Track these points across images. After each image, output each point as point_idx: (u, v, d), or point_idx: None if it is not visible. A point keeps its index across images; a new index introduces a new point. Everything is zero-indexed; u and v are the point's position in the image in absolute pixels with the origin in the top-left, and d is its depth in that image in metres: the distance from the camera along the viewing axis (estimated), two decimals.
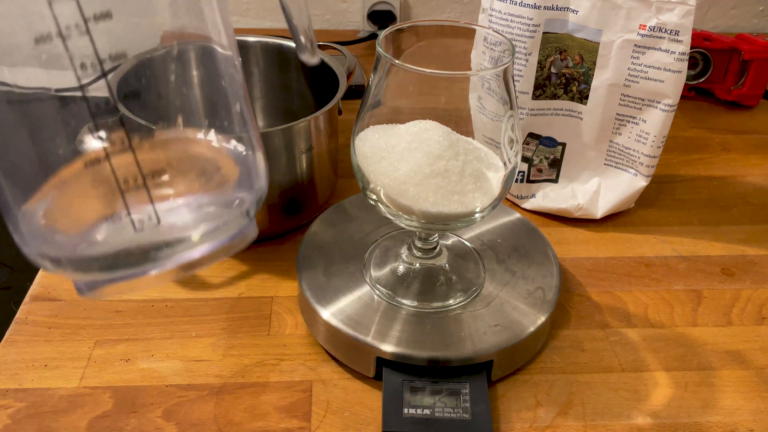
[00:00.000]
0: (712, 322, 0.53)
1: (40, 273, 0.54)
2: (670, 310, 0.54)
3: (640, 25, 0.55)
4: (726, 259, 0.59)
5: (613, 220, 0.63)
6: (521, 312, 0.47)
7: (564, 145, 0.63)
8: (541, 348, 0.49)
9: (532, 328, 0.46)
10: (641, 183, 0.61)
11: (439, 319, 0.46)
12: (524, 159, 0.63)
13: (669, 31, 0.54)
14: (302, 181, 0.57)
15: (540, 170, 0.64)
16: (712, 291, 0.56)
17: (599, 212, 0.62)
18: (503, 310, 0.47)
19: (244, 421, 0.43)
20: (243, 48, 0.66)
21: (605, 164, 0.62)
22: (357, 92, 0.83)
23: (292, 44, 0.65)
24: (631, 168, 0.61)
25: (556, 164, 0.63)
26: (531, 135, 0.62)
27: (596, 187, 0.62)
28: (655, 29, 0.54)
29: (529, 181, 0.64)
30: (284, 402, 0.45)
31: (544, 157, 0.63)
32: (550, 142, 0.62)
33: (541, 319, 0.47)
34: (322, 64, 0.62)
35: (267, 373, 0.47)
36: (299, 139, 0.54)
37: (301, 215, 0.59)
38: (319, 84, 0.63)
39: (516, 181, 0.64)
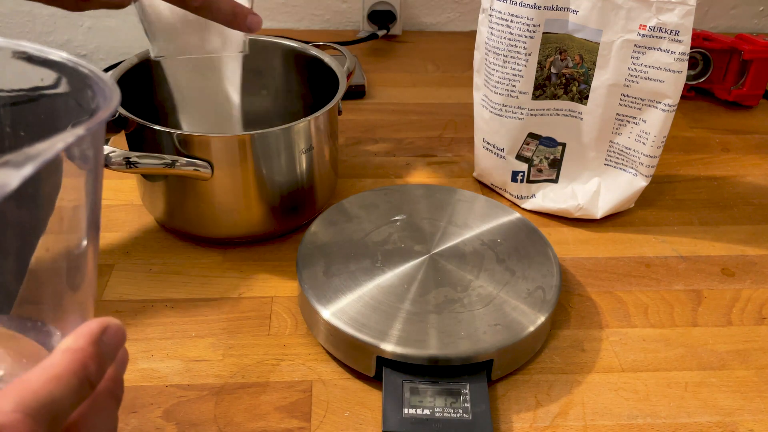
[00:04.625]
0: (712, 322, 0.53)
1: None
2: (670, 310, 0.54)
3: (640, 25, 0.55)
4: (726, 259, 0.59)
5: (613, 220, 0.63)
6: (521, 312, 0.47)
7: (564, 145, 0.63)
8: (541, 348, 0.49)
9: (532, 328, 0.46)
10: (641, 183, 0.61)
11: (440, 319, 0.46)
12: (524, 159, 0.63)
13: (669, 31, 0.54)
14: (302, 181, 0.57)
15: (540, 170, 0.64)
16: (712, 291, 0.56)
17: (599, 212, 0.62)
18: (503, 310, 0.47)
19: (244, 421, 0.43)
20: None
21: (605, 164, 0.62)
22: (357, 93, 0.83)
23: (293, 44, 0.65)
24: (631, 168, 0.61)
25: (556, 164, 0.63)
26: (531, 135, 0.62)
27: (596, 187, 0.62)
28: (655, 29, 0.54)
29: (529, 181, 0.64)
30: (284, 402, 0.45)
31: (544, 157, 0.63)
32: (550, 142, 0.62)
33: (541, 318, 0.47)
34: (322, 64, 0.62)
35: (267, 373, 0.47)
36: (299, 139, 0.54)
37: (301, 215, 0.59)
38: (319, 84, 0.63)
39: (516, 181, 0.64)
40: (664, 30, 0.54)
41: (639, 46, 0.55)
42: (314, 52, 0.64)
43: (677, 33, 0.54)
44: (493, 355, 0.45)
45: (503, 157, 0.63)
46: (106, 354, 0.26)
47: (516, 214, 0.56)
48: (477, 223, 0.55)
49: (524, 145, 0.62)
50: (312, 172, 0.57)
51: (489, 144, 0.64)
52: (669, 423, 0.45)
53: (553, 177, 0.64)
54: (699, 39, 0.83)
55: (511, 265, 0.51)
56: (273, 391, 0.46)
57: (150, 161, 0.51)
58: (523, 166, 0.63)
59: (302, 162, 0.55)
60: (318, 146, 0.56)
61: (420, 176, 0.69)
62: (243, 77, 0.68)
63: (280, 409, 0.44)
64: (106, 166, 0.50)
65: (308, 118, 0.54)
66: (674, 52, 0.54)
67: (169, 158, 0.51)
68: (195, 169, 0.51)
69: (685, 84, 0.56)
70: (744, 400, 0.46)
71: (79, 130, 0.24)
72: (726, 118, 0.83)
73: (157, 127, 0.51)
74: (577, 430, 0.44)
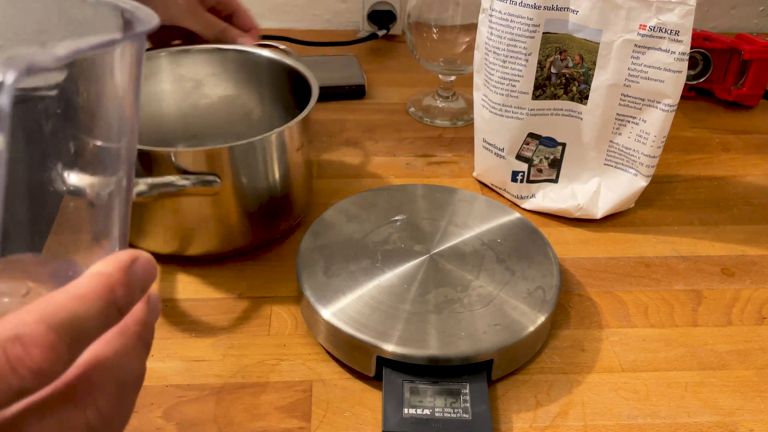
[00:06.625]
0: (712, 322, 0.53)
1: None
2: (670, 310, 0.54)
3: (640, 25, 0.55)
4: (726, 259, 0.59)
5: (613, 220, 0.63)
6: (521, 312, 0.47)
7: (564, 145, 0.63)
8: (541, 348, 0.49)
9: (532, 328, 0.46)
10: (641, 183, 0.61)
11: (440, 319, 0.46)
12: (524, 159, 0.63)
13: (669, 31, 0.54)
14: (276, 193, 0.55)
15: (540, 170, 0.64)
16: (712, 291, 0.56)
17: (599, 212, 0.62)
18: (503, 310, 0.47)
19: (244, 421, 0.43)
20: (215, 53, 0.64)
21: (605, 164, 0.62)
22: (357, 92, 0.83)
23: (265, 53, 0.63)
24: (631, 168, 0.61)
25: (556, 164, 0.63)
26: (531, 135, 0.62)
27: (596, 187, 0.62)
28: (655, 29, 0.54)
29: (529, 181, 0.64)
30: (284, 402, 0.45)
31: (544, 157, 0.63)
32: (550, 142, 0.63)
33: (541, 318, 0.47)
34: (296, 73, 0.60)
35: (267, 373, 0.47)
36: (273, 149, 0.52)
37: (279, 223, 0.57)
38: (298, 91, 0.60)
39: (516, 181, 0.64)
40: (664, 30, 0.54)
41: (639, 46, 0.55)
42: (289, 61, 0.61)
43: (677, 33, 0.54)
44: (493, 355, 0.45)
45: (503, 157, 0.63)
46: (135, 283, 0.25)
47: (516, 214, 0.56)
48: (477, 223, 0.55)
49: (524, 145, 0.62)
50: (289, 180, 0.55)
51: (489, 144, 0.64)
52: (669, 423, 0.45)
53: (553, 177, 0.64)
54: (699, 39, 0.83)
55: (511, 265, 0.51)
56: (273, 391, 0.46)
57: (164, 182, 0.48)
58: (523, 166, 0.63)
59: (275, 172, 0.54)
60: (292, 155, 0.54)
61: (420, 176, 0.69)
62: (222, 91, 0.66)
63: (280, 409, 0.44)
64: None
65: (280, 129, 0.51)
66: (674, 52, 0.54)
67: (181, 178, 0.49)
68: (205, 185, 0.50)
69: (685, 84, 0.56)
70: (744, 400, 0.46)
71: (117, 37, 0.23)
72: (726, 118, 0.83)
73: (146, 148, 0.49)
74: (577, 430, 0.44)
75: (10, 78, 0.19)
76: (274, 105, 0.65)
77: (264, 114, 0.66)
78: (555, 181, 0.64)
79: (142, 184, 0.48)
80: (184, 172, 0.50)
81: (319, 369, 0.47)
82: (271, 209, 0.56)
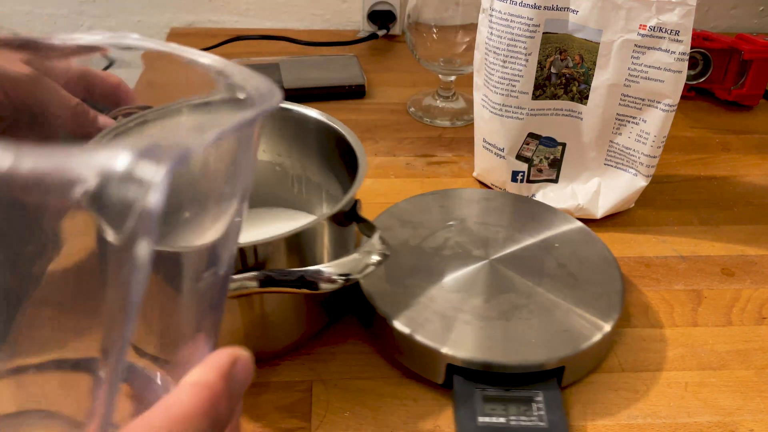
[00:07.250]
0: (712, 322, 0.53)
1: None
2: (670, 310, 0.54)
3: (640, 25, 0.55)
4: (726, 259, 0.59)
5: (613, 220, 0.63)
6: (588, 317, 0.47)
7: (564, 145, 0.63)
8: (606, 353, 0.49)
9: (600, 334, 0.46)
10: (641, 183, 0.61)
11: (508, 325, 0.46)
12: (524, 159, 0.63)
13: (669, 31, 0.54)
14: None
15: (540, 170, 0.64)
16: (712, 291, 0.56)
17: (599, 212, 0.62)
18: (570, 316, 0.47)
19: (244, 421, 0.43)
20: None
21: (605, 164, 0.62)
22: (357, 93, 0.83)
23: (308, 112, 0.53)
24: (631, 168, 0.61)
25: (556, 164, 0.64)
26: (531, 135, 0.62)
27: (596, 187, 0.62)
28: (655, 29, 0.54)
29: (529, 181, 0.64)
30: (284, 402, 0.45)
31: (544, 157, 0.63)
32: (550, 142, 0.63)
33: (609, 323, 0.46)
34: (341, 139, 0.51)
35: (267, 373, 0.47)
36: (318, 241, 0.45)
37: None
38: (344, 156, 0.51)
39: (516, 181, 0.64)
40: (664, 30, 0.54)
41: (639, 46, 0.55)
42: (337, 126, 0.51)
43: (677, 33, 0.54)
44: (564, 362, 0.44)
45: (503, 157, 0.63)
46: (236, 392, 0.21)
47: (577, 223, 0.56)
48: (532, 227, 0.55)
49: (524, 145, 0.62)
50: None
51: (489, 144, 0.64)
52: (669, 423, 0.45)
53: (553, 177, 0.64)
54: (699, 39, 0.83)
55: (571, 269, 0.51)
56: (273, 391, 0.46)
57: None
58: (523, 166, 0.63)
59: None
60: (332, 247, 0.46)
61: (420, 176, 0.69)
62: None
63: (280, 409, 0.44)
64: None
65: (316, 220, 0.43)
66: (674, 52, 0.54)
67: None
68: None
69: (685, 84, 0.56)
70: (744, 400, 0.46)
71: (247, 115, 0.20)
72: (726, 118, 0.83)
73: None
74: (578, 430, 0.44)
75: (160, 173, 0.16)
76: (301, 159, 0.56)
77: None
78: (555, 181, 0.64)
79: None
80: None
81: (319, 369, 0.47)
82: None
